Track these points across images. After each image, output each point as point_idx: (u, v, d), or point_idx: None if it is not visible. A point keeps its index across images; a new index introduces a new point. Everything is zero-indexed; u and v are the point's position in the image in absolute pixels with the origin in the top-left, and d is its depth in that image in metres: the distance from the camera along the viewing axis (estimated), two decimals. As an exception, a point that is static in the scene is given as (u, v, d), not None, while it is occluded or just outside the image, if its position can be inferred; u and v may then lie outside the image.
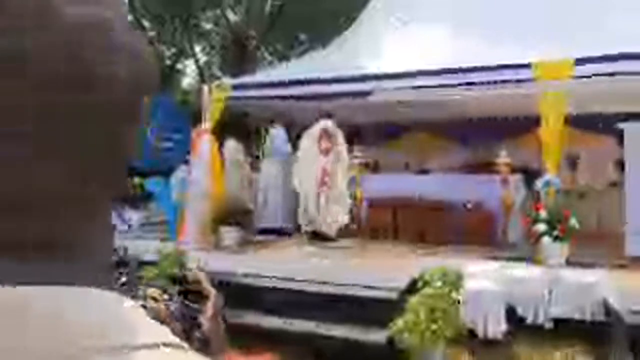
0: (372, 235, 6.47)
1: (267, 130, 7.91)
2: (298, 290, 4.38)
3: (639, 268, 4.54)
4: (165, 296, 2.17)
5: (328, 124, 6.34)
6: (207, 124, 6.30)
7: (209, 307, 2.05)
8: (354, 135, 7.74)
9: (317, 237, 6.36)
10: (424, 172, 7.25)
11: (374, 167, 7.58)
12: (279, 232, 6.91)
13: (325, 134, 6.32)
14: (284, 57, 14.21)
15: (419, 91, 5.65)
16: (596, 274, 4.40)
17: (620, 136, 5.57)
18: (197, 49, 15.70)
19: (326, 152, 6.31)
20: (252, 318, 4.30)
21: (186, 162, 6.89)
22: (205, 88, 6.59)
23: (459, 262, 4.62)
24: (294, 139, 6.95)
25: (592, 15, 5.75)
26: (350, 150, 6.55)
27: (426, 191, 6.36)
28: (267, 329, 4.10)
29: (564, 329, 3.97)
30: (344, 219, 6.32)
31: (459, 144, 7.66)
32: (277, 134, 7.25)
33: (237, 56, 13.80)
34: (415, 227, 6.21)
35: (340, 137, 6.28)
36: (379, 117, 7.53)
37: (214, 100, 6.51)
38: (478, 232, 5.97)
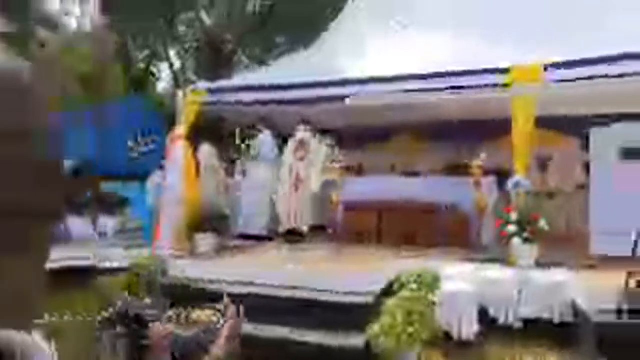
0: (350, 239, 6.50)
1: (251, 136, 7.99)
2: (271, 296, 4.37)
3: (604, 267, 4.66)
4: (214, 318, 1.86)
5: (305, 133, 6.52)
6: (181, 129, 6.23)
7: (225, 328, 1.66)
8: (337, 139, 7.80)
9: (291, 236, 6.54)
10: (405, 175, 7.31)
11: (357, 171, 7.61)
12: (263, 236, 6.97)
13: (301, 142, 6.58)
14: (261, 61, 14.15)
15: (398, 95, 5.70)
16: (565, 274, 4.51)
17: (587, 139, 5.75)
18: (172, 52, 15.50)
19: (301, 158, 6.51)
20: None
21: (162, 167, 6.80)
22: (180, 92, 6.52)
23: (435, 264, 4.68)
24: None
25: (579, 18, 5.86)
26: (332, 154, 6.67)
27: (405, 194, 6.42)
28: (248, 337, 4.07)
29: (534, 329, 4.06)
30: (316, 220, 6.45)
31: (439, 147, 7.73)
32: (264, 140, 7.39)
33: (213, 60, 13.69)
34: (393, 230, 6.26)
35: (314, 144, 6.38)
36: (360, 121, 7.57)
37: (188, 105, 6.45)
38: (454, 234, 6.06)
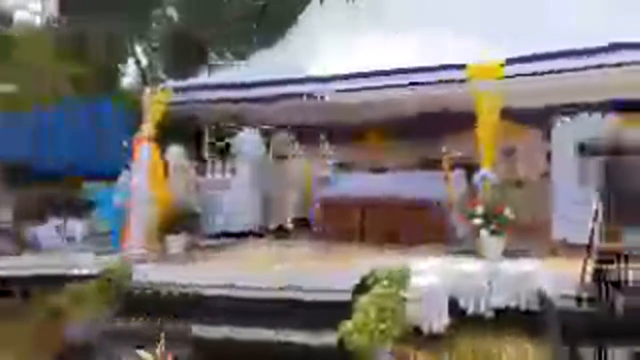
0: (324, 235, 6.53)
1: (229, 134, 7.99)
2: (246, 298, 4.36)
3: (566, 252, 4.79)
4: None
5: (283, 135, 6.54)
6: (147, 128, 6.12)
7: None
8: (307, 136, 7.80)
9: (275, 233, 6.68)
10: (377, 171, 7.36)
11: (328, 167, 7.63)
12: (247, 233, 7.06)
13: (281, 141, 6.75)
14: (235, 57, 13.95)
15: (364, 92, 5.74)
16: (530, 262, 4.66)
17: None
18: (139, 49, 15.13)
19: (283, 156, 6.59)
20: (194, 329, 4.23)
21: (128, 167, 6.67)
22: (146, 91, 6.39)
23: (408, 259, 4.75)
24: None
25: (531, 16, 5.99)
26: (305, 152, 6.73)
27: (376, 190, 6.47)
28: (211, 340, 4.05)
29: (504, 318, 4.16)
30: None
31: (407, 143, 7.81)
32: (247, 138, 7.48)
33: (182, 58, 13.44)
34: (366, 226, 6.31)
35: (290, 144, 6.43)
36: (330, 118, 7.57)
37: (155, 104, 6.33)
38: (428, 228, 6.13)
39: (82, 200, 7.98)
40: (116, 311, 4.66)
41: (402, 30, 6.14)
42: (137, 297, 4.63)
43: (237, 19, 13.44)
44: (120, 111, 9.64)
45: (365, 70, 5.53)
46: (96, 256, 5.94)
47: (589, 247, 2.92)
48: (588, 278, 2.93)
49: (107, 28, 12.67)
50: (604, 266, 2.82)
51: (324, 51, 6.40)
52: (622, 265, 2.74)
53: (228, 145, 8.31)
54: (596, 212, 2.86)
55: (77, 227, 7.82)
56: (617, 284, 2.78)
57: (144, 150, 6.08)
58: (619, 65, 4.78)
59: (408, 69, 5.42)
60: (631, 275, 2.71)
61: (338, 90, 5.63)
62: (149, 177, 5.99)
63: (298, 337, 4.09)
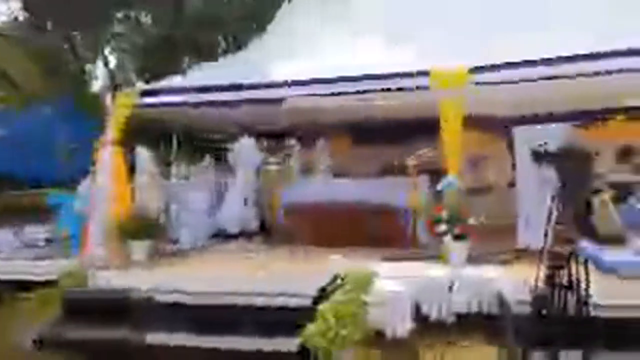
0: (287, 241, 6.50)
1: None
2: (206, 305, 4.28)
3: (529, 258, 4.90)
4: None
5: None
6: (111, 132, 5.98)
7: None
8: (272, 141, 7.78)
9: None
10: (341, 176, 7.39)
11: (292, 173, 7.61)
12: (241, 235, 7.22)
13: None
14: (207, 60, 13.81)
15: (332, 98, 5.75)
16: (493, 268, 4.73)
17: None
18: (107, 51, 14.84)
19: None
20: (152, 338, 4.14)
21: (91, 172, 6.49)
22: (109, 94, 6.26)
23: (371, 265, 4.76)
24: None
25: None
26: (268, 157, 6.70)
27: (342, 195, 6.49)
28: (172, 348, 3.97)
29: (466, 323, 4.21)
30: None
31: (374, 149, 7.87)
32: (245, 144, 7.60)
33: (153, 60, 13.24)
34: (329, 232, 6.30)
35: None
36: (295, 122, 7.57)
37: (120, 107, 6.20)
38: (391, 234, 6.17)
39: (42, 205, 7.74)
40: (66, 318, 4.52)
41: (370, 34, 6.20)
42: (91, 303, 4.49)
43: (211, 19, 13.32)
44: (83, 114, 9.41)
45: (329, 75, 5.54)
46: (55, 262, 5.76)
47: (541, 251, 2.97)
48: (541, 282, 2.98)
49: (71, 29, 12.37)
50: (556, 270, 2.88)
51: (293, 55, 6.40)
52: (574, 268, 2.79)
53: (224, 150, 8.39)
54: (549, 216, 2.92)
55: (37, 232, 7.58)
56: (569, 287, 2.84)
57: (107, 154, 5.94)
58: (575, 76, 4.94)
59: (373, 75, 5.47)
60: (582, 279, 2.77)
61: (301, 95, 5.64)
62: (112, 181, 5.84)
63: (258, 343, 4.02)
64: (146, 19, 14.47)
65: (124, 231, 5.67)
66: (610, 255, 2.29)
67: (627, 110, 6.62)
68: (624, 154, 6.01)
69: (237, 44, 10.45)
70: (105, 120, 6.29)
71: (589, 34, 5.20)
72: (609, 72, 4.81)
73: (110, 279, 4.98)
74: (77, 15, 12.14)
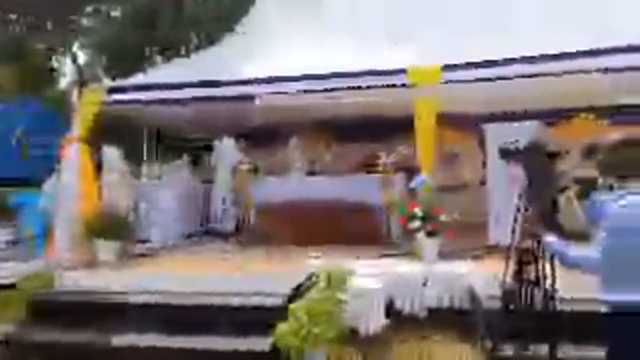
0: (261, 240, 6.45)
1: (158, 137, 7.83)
2: (177, 305, 4.20)
3: (498, 255, 4.98)
4: None
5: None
6: (77, 130, 5.80)
7: None
8: (244, 139, 7.70)
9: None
10: (315, 174, 7.36)
11: (265, 171, 7.55)
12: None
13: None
14: (176, 56, 13.56)
15: (306, 95, 5.72)
16: (464, 264, 4.80)
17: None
18: (76, 47, 14.39)
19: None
20: (121, 339, 4.04)
21: (57, 170, 6.29)
22: (74, 91, 6.07)
23: (346, 262, 4.75)
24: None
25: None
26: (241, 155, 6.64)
27: (317, 194, 6.46)
28: (143, 349, 3.87)
29: (439, 318, 4.25)
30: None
31: (350, 146, 7.88)
32: (225, 144, 7.90)
33: (122, 56, 12.91)
34: (305, 230, 6.27)
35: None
36: (268, 120, 7.51)
37: (87, 104, 6.02)
38: (366, 231, 6.18)
39: (6, 204, 7.46)
40: (31, 321, 4.37)
41: (344, 32, 6.19)
42: (57, 305, 4.35)
43: (183, 15, 13.09)
44: (50, 112, 9.11)
45: (305, 73, 5.51)
46: (19, 263, 5.57)
47: (509, 247, 3.02)
48: (509, 278, 3.03)
49: (36, 25, 11.96)
50: (524, 266, 2.93)
51: (266, 51, 6.34)
52: (540, 264, 2.85)
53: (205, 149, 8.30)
54: (516, 213, 2.96)
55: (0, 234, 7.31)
56: (536, 282, 2.90)
57: (73, 152, 5.76)
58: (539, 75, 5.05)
59: (348, 72, 5.46)
60: (549, 274, 2.83)
61: (276, 93, 5.59)
62: (78, 179, 5.67)
63: (233, 343, 3.97)
64: (116, 13, 14.09)
65: (91, 231, 5.51)
66: (575, 250, 2.33)
67: (593, 109, 6.81)
68: (590, 151, 6.18)
69: (210, 40, 10.28)
70: (71, 117, 6.11)
71: (589, 33, 5.29)
72: (577, 72, 4.95)
73: (77, 280, 4.84)
74: (44, 8, 11.73)
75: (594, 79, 5.07)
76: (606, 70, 4.93)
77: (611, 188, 2.34)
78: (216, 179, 7.91)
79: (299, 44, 6.45)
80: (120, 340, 4.06)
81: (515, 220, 2.97)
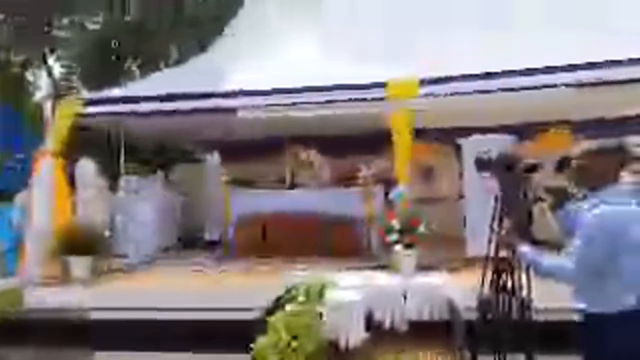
0: (240, 253, 6.38)
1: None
2: (153, 321, 4.10)
3: (476, 266, 5.02)
4: None
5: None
6: (50, 143, 5.68)
7: None
8: (224, 152, 7.65)
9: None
10: (296, 187, 7.35)
11: (246, 183, 7.51)
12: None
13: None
14: (156, 69, 13.47)
15: (286, 108, 5.72)
16: (442, 276, 4.83)
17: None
18: (52, 59, 14.17)
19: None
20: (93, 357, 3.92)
21: (29, 184, 6.12)
22: (48, 103, 5.96)
23: (325, 275, 4.72)
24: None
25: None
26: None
27: (296, 206, 6.44)
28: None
29: (418, 331, 4.25)
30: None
31: (330, 159, 7.89)
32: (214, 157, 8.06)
33: (100, 67, 12.76)
34: (284, 243, 6.24)
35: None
36: (249, 133, 7.48)
37: (62, 117, 5.92)
38: (345, 244, 6.18)
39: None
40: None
41: (324, 45, 6.24)
42: (28, 323, 4.20)
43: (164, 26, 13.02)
44: (24, 124, 8.91)
45: (285, 85, 5.53)
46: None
47: (486, 258, 3.05)
48: (486, 288, 3.06)
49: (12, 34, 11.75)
50: (500, 276, 2.96)
51: (245, 65, 6.34)
52: (516, 274, 2.88)
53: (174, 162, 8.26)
54: (492, 224, 3.00)
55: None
56: (512, 292, 2.92)
57: (46, 165, 5.63)
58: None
59: (328, 86, 5.50)
60: (524, 284, 2.86)
61: (254, 106, 5.59)
62: (51, 193, 5.53)
63: (209, 359, 3.89)
64: (94, 25, 13.95)
65: (64, 246, 5.36)
66: (549, 260, 2.37)
67: (568, 122, 7.00)
68: (563, 163, 6.33)
69: (184, 54, 10.23)
70: (44, 130, 5.99)
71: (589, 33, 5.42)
72: (553, 86, 5.10)
73: (48, 298, 4.69)
74: (20, 19, 11.55)
75: (568, 92, 5.21)
76: (581, 85, 5.09)
77: (584, 198, 2.39)
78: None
79: (297, 45, 6.46)
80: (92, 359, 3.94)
81: (491, 231, 3.00)
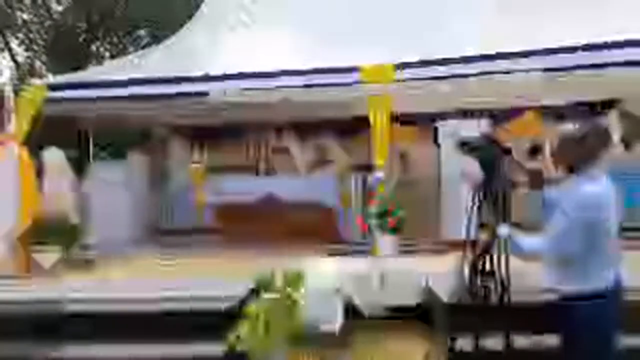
0: (214, 240, 6.28)
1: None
2: (125, 312, 3.97)
3: (455, 249, 5.05)
4: None
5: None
6: (12, 130, 5.42)
7: None
8: (196, 138, 7.47)
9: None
10: (270, 173, 7.26)
11: (218, 170, 7.37)
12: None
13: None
14: (122, 53, 13.02)
15: (257, 93, 5.59)
16: (420, 260, 4.84)
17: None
18: (15, 43, 13.55)
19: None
20: (58, 352, 3.78)
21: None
22: (7, 88, 5.66)
23: (301, 262, 4.66)
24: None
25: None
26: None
27: (270, 193, 6.36)
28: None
29: (397, 316, 4.23)
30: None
31: (304, 145, 7.80)
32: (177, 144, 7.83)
33: (65, 52, 12.27)
34: (260, 230, 6.15)
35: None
36: (221, 119, 7.32)
37: (25, 103, 5.65)
38: (322, 230, 6.14)
39: None
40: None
41: (298, 30, 6.11)
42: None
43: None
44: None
45: (257, 70, 5.39)
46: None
47: (465, 241, 3.04)
48: (465, 270, 3.05)
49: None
50: (479, 258, 2.95)
51: (218, 49, 6.17)
52: (495, 256, 2.87)
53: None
54: (471, 207, 2.98)
55: None
56: (491, 274, 2.92)
57: (10, 152, 5.38)
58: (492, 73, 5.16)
59: (303, 70, 5.38)
60: (503, 265, 2.85)
61: (226, 91, 5.44)
62: (15, 181, 5.29)
63: (182, 349, 3.80)
64: (57, 6, 13.37)
65: (31, 237, 5.14)
66: (527, 241, 2.36)
67: (544, 107, 7.05)
68: (540, 146, 6.41)
69: (158, 36, 9.92)
70: (4, 116, 5.70)
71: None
72: (527, 71, 5.09)
73: (15, 289, 4.50)
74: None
75: (542, 77, 5.23)
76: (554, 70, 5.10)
77: (562, 180, 2.39)
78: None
79: (252, 40, 6.32)
80: (60, 352, 3.80)
81: (470, 213, 2.98)
